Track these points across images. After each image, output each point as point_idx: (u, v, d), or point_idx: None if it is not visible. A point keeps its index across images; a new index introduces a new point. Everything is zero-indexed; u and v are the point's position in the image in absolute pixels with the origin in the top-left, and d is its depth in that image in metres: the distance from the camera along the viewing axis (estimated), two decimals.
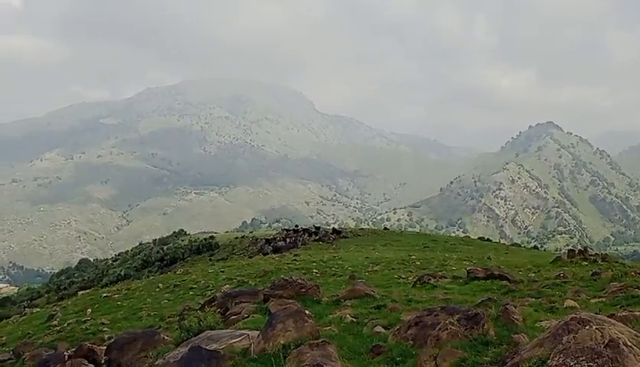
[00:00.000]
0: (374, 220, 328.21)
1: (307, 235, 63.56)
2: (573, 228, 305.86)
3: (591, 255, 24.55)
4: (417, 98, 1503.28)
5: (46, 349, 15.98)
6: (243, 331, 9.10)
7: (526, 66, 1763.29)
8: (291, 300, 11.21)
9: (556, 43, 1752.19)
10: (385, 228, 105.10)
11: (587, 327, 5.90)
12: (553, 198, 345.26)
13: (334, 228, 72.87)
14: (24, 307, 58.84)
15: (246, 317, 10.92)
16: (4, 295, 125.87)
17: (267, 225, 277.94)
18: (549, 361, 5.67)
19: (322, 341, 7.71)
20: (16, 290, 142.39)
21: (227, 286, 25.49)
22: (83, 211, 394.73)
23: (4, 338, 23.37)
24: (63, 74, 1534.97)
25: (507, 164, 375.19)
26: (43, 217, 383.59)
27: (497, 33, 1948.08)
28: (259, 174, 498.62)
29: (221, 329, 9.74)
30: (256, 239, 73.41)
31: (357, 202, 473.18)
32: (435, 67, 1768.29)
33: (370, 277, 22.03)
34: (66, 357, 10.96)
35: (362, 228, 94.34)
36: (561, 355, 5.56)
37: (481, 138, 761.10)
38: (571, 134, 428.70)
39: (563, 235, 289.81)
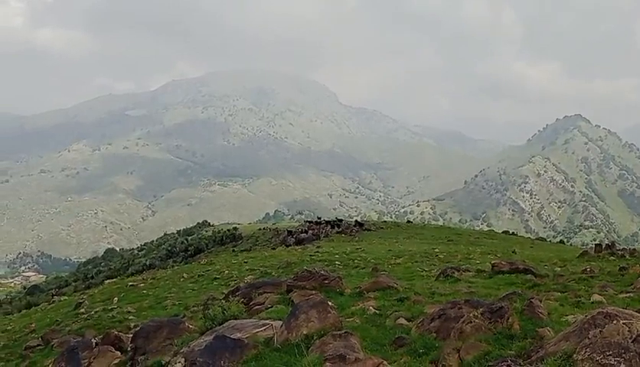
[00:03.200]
0: (397, 213, 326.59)
1: (329, 227, 63.65)
2: (600, 223, 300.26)
3: (618, 250, 24.19)
4: (442, 90, 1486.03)
5: (74, 336, 16.35)
6: (267, 321, 9.17)
7: (554, 58, 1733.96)
8: (314, 292, 11.25)
9: (585, 35, 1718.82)
10: (408, 221, 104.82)
11: (614, 322, 5.82)
12: (580, 192, 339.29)
13: (356, 221, 72.85)
14: (53, 295, 60.20)
15: (270, 307, 10.99)
16: (34, 283, 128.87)
17: (290, 217, 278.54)
18: (575, 355, 5.62)
19: (345, 332, 7.74)
20: (44, 279, 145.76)
21: (251, 276, 25.69)
22: (109, 201, 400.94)
23: (33, 325, 23.94)
24: (90, 66, 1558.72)
25: (533, 157, 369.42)
26: (70, 207, 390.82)
27: (524, 24, 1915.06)
28: (282, 166, 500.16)
29: (245, 318, 9.83)
30: (279, 231, 73.80)
31: (380, 195, 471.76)
32: (460, 59, 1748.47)
33: (392, 270, 21.97)
34: (94, 344, 11.20)
35: (385, 221, 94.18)
36: (587, 349, 5.50)
37: (507, 131, 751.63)
38: (599, 126, 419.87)
39: (590, 229, 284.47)
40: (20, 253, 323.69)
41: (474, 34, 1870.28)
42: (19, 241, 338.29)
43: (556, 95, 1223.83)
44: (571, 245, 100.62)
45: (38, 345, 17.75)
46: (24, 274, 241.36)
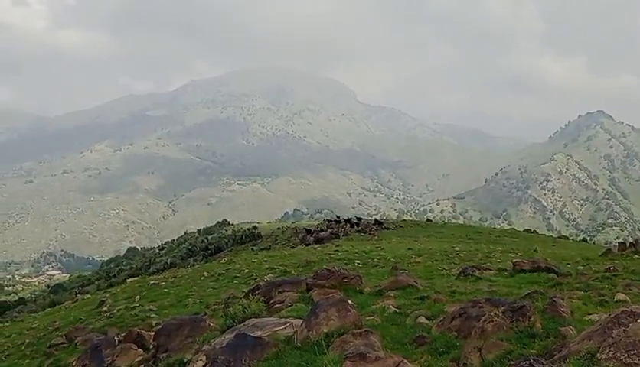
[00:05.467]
0: (417, 211, 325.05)
1: (349, 226, 63.49)
2: (623, 221, 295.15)
3: None
4: (462, 87, 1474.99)
5: (97, 334, 16.57)
6: (287, 319, 9.21)
7: (576, 53, 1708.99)
8: (333, 290, 11.25)
9: (608, 29, 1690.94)
10: (428, 220, 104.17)
11: (639, 321, 5.75)
12: (603, 189, 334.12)
13: (376, 220, 72.60)
14: (76, 294, 61.10)
15: (290, 306, 11.01)
16: (57, 282, 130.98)
17: (309, 215, 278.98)
18: (598, 354, 5.56)
19: (365, 330, 7.74)
20: (68, 278, 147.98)
21: (270, 275, 25.72)
22: (131, 201, 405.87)
23: (57, 323, 24.30)
24: (111, 67, 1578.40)
25: (555, 154, 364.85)
26: (93, 207, 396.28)
27: (546, 19, 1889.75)
28: (301, 165, 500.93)
29: (265, 317, 9.88)
30: (298, 230, 73.89)
31: (400, 194, 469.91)
32: (480, 55, 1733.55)
33: (412, 269, 21.84)
34: (117, 342, 11.35)
35: (404, 220, 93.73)
36: (611, 348, 5.44)
37: (528, 128, 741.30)
38: (622, 123, 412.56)
39: (614, 227, 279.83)
40: (44, 252, 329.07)
41: (493, 30, 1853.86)
42: (43, 241, 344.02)
43: (577, 91, 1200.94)
44: (594, 243, 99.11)
45: (62, 343, 18.02)
46: (47, 272, 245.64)
